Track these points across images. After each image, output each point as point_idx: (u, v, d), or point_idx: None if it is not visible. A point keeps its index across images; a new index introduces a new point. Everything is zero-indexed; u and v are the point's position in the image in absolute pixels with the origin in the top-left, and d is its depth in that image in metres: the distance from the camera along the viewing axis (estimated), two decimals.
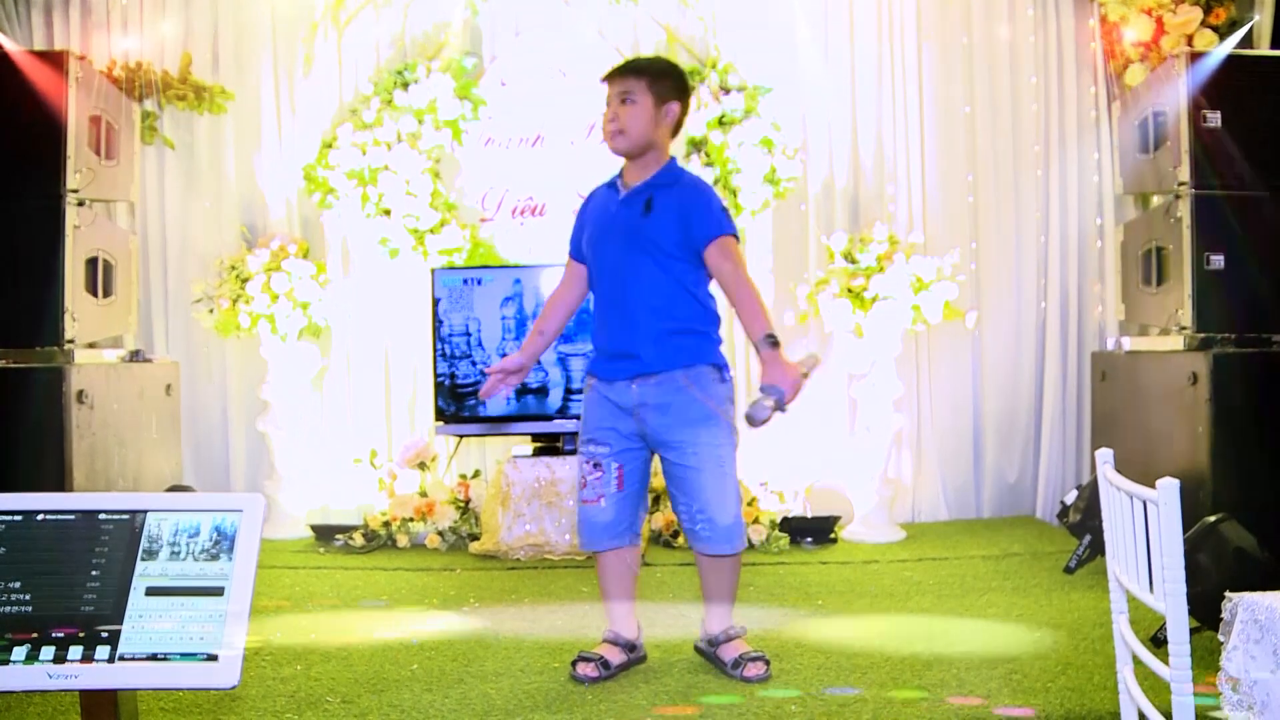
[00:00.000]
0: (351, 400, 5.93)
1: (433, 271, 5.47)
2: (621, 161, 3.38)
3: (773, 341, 3.16)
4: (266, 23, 5.88)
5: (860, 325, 5.46)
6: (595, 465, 3.32)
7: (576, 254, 3.49)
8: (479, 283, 5.41)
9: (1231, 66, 4.60)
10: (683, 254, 3.26)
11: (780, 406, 3.12)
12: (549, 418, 5.38)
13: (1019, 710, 2.92)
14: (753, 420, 3.09)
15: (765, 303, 3.25)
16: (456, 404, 5.40)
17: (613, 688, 3.17)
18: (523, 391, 5.33)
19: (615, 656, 3.32)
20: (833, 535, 5.48)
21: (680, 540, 5.09)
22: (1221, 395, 4.29)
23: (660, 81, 3.29)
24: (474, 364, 5.38)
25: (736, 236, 3.30)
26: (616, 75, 3.32)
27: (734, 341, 5.90)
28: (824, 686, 3.16)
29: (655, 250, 3.23)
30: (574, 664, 3.29)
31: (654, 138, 3.30)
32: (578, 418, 5.29)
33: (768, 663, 3.28)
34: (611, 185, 3.41)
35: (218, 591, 2.09)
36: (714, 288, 3.37)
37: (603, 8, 5.81)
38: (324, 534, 5.54)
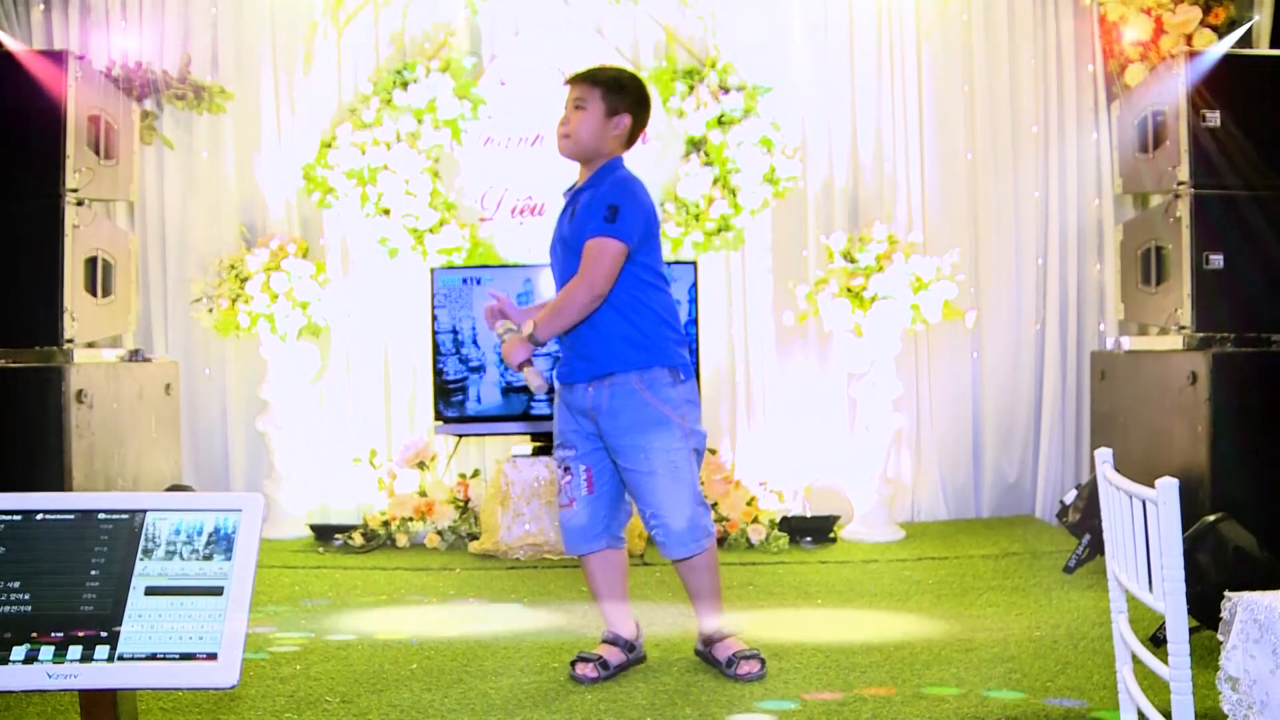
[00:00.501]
0: (351, 400, 5.93)
1: (432, 271, 5.47)
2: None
3: (537, 340, 3.17)
4: (266, 22, 5.87)
5: (859, 325, 5.46)
6: (565, 469, 3.34)
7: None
8: (478, 282, 5.41)
9: (1230, 66, 4.60)
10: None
11: (504, 338, 3.22)
12: (548, 417, 5.37)
13: (1019, 710, 2.92)
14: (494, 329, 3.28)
15: (565, 315, 3.18)
16: (446, 402, 5.40)
17: (612, 687, 3.17)
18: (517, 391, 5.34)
19: (614, 657, 3.32)
20: (832, 535, 5.48)
21: None
22: (1221, 395, 4.29)
23: (615, 94, 3.29)
24: (463, 361, 5.38)
25: (618, 237, 3.15)
26: (575, 81, 3.34)
27: (734, 346, 5.91)
28: (823, 686, 3.16)
29: (578, 251, 3.21)
30: (573, 664, 3.29)
31: (600, 146, 3.28)
32: None
33: (763, 661, 3.28)
34: (567, 190, 3.41)
35: (217, 591, 2.09)
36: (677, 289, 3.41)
37: (602, 7, 5.81)
38: (323, 534, 5.54)
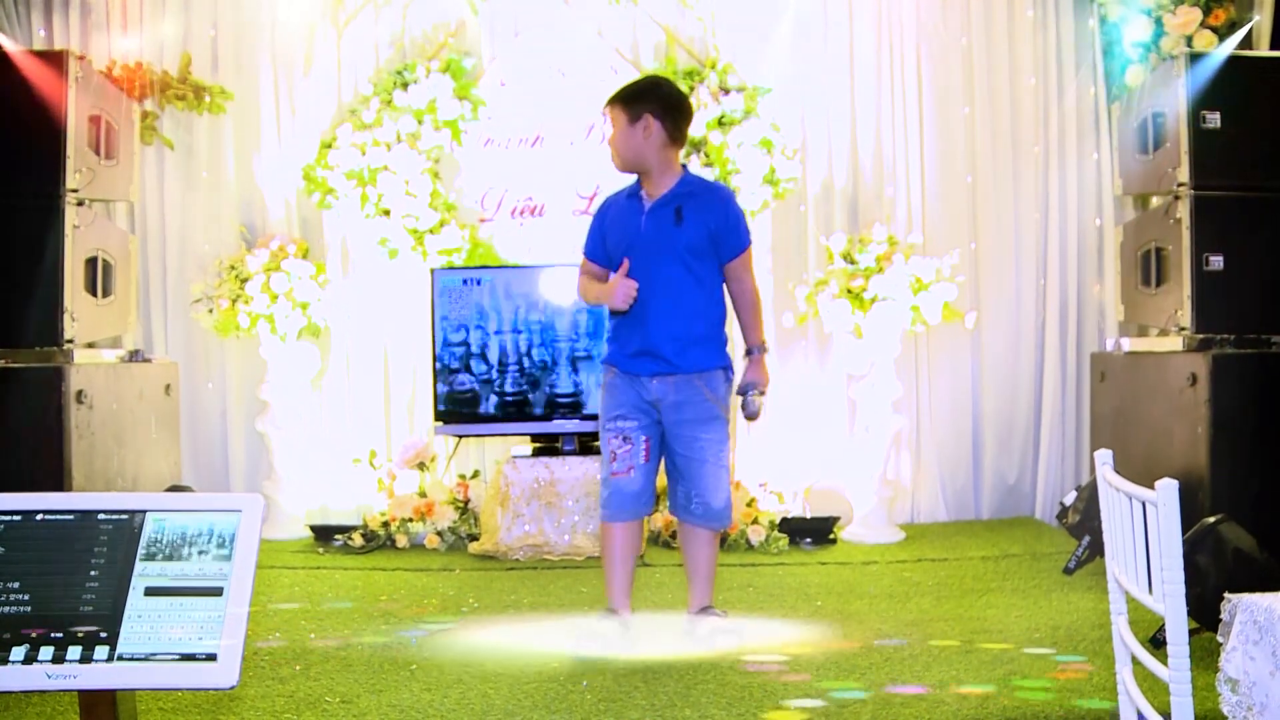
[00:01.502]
0: (351, 400, 5.93)
1: (432, 272, 5.47)
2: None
3: (764, 348, 3.66)
4: (266, 23, 5.87)
5: (859, 326, 5.46)
6: (625, 439, 3.60)
7: (595, 256, 3.74)
8: (478, 283, 5.41)
9: (1231, 67, 4.59)
10: (707, 262, 3.57)
11: (762, 393, 3.63)
12: (548, 418, 5.38)
13: (1018, 710, 2.92)
14: (753, 415, 3.62)
15: (761, 320, 3.68)
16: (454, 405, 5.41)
17: (611, 688, 3.17)
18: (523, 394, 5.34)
19: (613, 633, 3.58)
20: (832, 536, 5.48)
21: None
22: (1220, 396, 4.29)
23: (631, 103, 3.57)
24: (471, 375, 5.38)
25: (751, 244, 3.65)
26: (606, 107, 3.67)
27: (734, 347, 5.89)
28: (824, 686, 3.16)
29: (685, 258, 3.52)
30: (577, 639, 3.55)
31: (643, 152, 3.56)
32: (577, 419, 5.36)
33: (737, 628, 3.61)
34: (633, 195, 3.65)
35: (217, 592, 2.08)
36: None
37: (602, 8, 5.81)
38: (323, 534, 5.54)
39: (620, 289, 3.52)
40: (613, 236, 3.65)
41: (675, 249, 3.52)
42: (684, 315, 3.55)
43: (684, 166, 3.65)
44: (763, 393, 3.62)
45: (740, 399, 3.62)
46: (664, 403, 3.56)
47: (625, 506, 3.60)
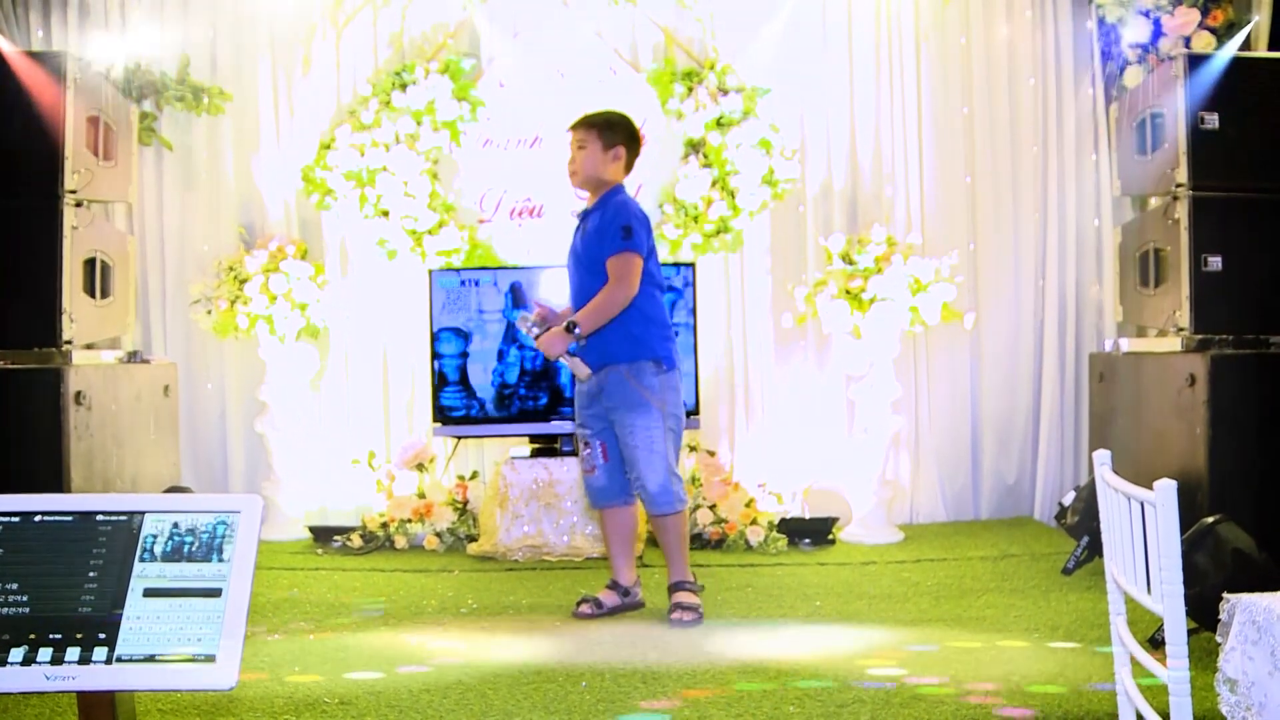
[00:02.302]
0: (349, 401, 5.92)
1: (431, 273, 5.47)
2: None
3: (570, 326, 3.84)
4: (265, 24, 5.87)
5: (858, 327, 5.46)
6: (585, 443, 4.09)
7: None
8: (477, 284, 5.41)
9: (1229, 68, 4.59)
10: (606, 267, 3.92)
11: (531, 332, 3.94)
12: (547, 419, 5.38)
13: (1018, 710, 2.92)
14: (520, 326, 4.01)
15: (603, 313, 3.85)
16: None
17: (610, 688, 3.17)
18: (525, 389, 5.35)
19: (610, 599, 4.08)
20: (831, 536, 5.48)
21: None
22: (1219, 397, 4.29)
23: (608, 131, 4.01)
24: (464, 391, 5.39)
25: (636, 251, 3.87)
26: (575, 127, 4.05)
27: (733, 348, 5.92)
28: (821, 687, 3.16)
29: (589, 265, 3.94)
30: (576, 605, 4.06)
31: (603, 175, 4.00)
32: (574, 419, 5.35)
33: (699, 615, 3.93)
34: (580, 212, 4.13)
35: (215, 593, 2.08)
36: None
37: (601, 9, 5.81)
38: (322, 535, 5.54)
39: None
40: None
41: (582, 258, 3.98)
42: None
43: (614, 186, 4.01)
44: (534, 326, 3.93)
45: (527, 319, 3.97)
46: (602, 393, 3.97)
47: (595, 497, 4.14)
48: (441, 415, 5.43)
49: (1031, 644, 3.60)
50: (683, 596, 3.98)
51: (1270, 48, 5.13)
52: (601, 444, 4.03)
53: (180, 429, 5.47)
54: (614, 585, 4.11)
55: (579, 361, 3.90)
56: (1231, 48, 4.91)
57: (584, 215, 4.06)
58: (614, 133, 4.02)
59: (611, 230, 3.88)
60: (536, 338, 3.91)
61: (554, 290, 5.36)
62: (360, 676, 3.32)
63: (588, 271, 3.95)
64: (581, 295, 3.97)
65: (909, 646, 3.59)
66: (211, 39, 5.86)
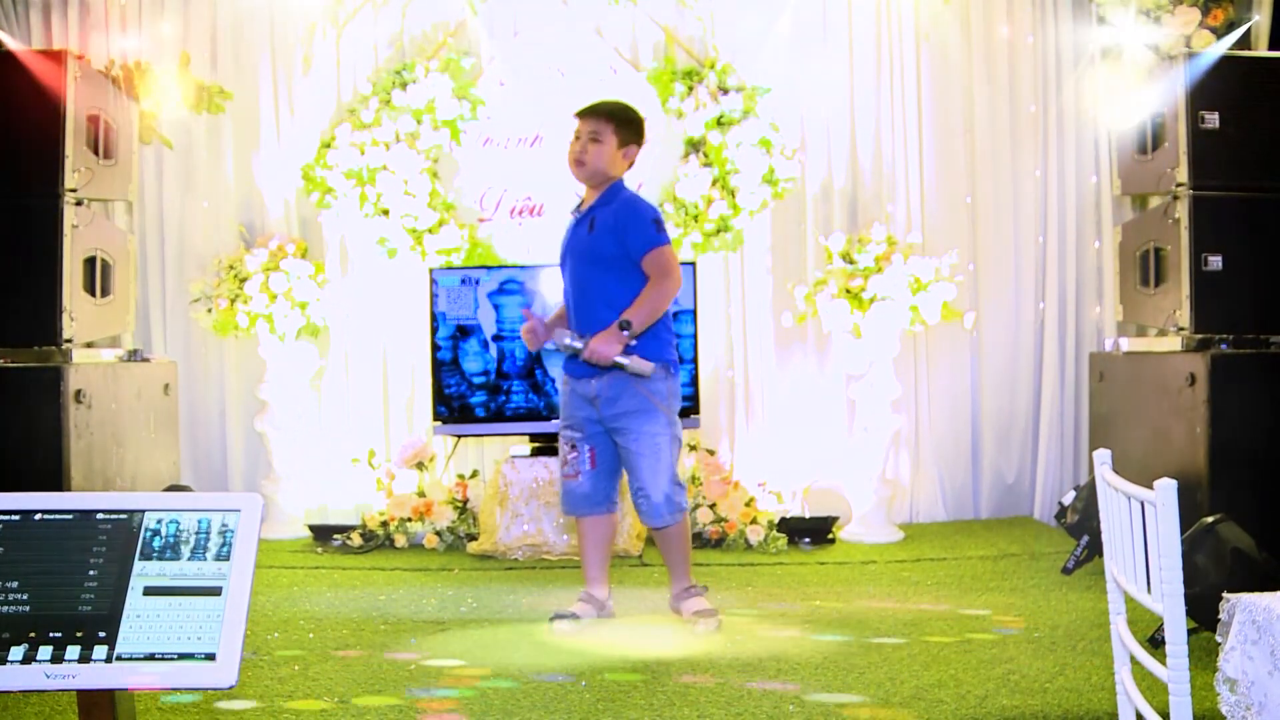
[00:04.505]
0: (349, 400, 5.92)
1: (431, 271, 5.47)
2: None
3: (624, 325, 3.69)
4: (265, 22, 5.87)
5: (858, 326, 5.46)
6: (572, 447, 3.92)
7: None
8: (477, 283, 5.41)
9: (1229, 68, 4.60)
10: (622, 264, 3.79)
11: (575, 352, 3.77)
12: (547, 418, 5.38)
13: (1017, 709, 2.92)
14: (557, 342, 3.81)
15: (656, 308, 3.76)
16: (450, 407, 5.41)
17: (610, 687, 3.17)
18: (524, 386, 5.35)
19: (587, 612, 3.90)
20: (831, 536, 5.48)
21: None
22: (1219, 396, 4.30)
23: (625, 128, 3.87)
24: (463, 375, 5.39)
25: (667, 244, 3.80)
26: (587, 114, 3.88)
27: (733, 347, 5.91)
28: (822, 687, 3.16)
29: (600, 263, 3.80)
30: (551, 620, 3.85)
31: (611, 172, 3.86)
32: None
33: (719, 617, 3.83)
34: (575, 207, 3.98)
35: (215, 591, 2.08)
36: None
37: (601, 8, 5.81)
38: (322, 534, 5.54)
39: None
40: (562, 249, 3.99)
41: (590, 255, 3.83)
42: (607, 315, 3.75)
43: (617, 180, 3.90)
44: (575, 351, 3.77)
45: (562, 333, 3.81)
46: (602, 398, 3.81)
47: (575, 505, 3.97)
48: (446, 399, 5.43)
49: (1031, 644, 3.60)
50: (697, 603, 3.88)
51: (1270, 47, 5.13)
52: (591, 449, 3.88)
53: (180, 427, 5.47)
54: (589, 598, 3.95)
55: (638, 359, 3.71)
56: (1228, 46, 4.91)
57: (587, 211, 3.87)
58: (630, 131, 3.88)
59: (635, 226, 3.76)
60: (584, 346, 3.71)
61: (554, 289, 5.36)
62: (360, 676, 3.32)
63: (599, 268, 3.80)
64: (588, 294, 3.82)
65: (908, 646, 3.59)
66: (212, 37, 5.86)
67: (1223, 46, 4.87)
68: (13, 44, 4.76)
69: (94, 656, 2.03)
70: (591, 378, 3.81)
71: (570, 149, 3.88)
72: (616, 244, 3.77)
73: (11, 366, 4.40)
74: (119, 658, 2.03)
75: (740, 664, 3.41)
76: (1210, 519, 3.60)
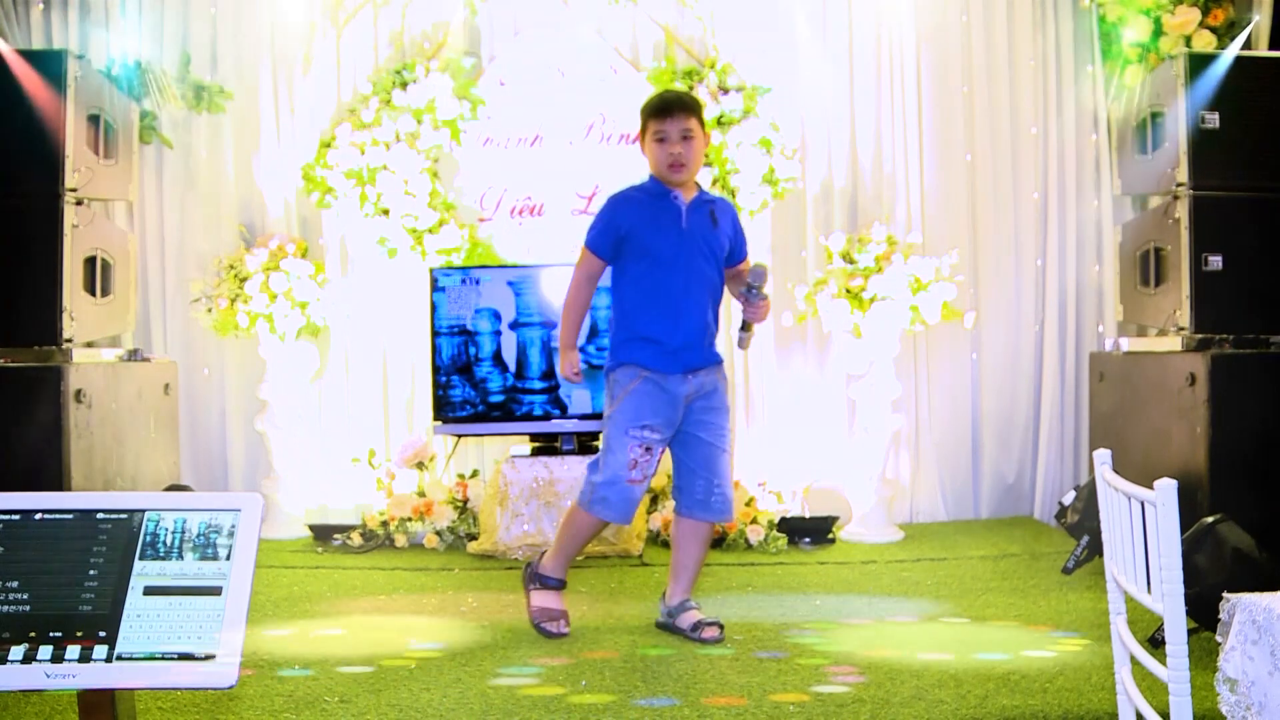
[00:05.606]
0: (350, 400, 5.92)
1: (431, 271, 5.47)
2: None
3: (745, 326, 3.72)
4: (265, 22, 5.86)
5: (859, 326, 5.46)
6: (647, 450, 3.61)
7: (600, 252, 3.74)
8: (477, 282, 5.41)
9: (1230, 68, 4.60)
10: (724, 263, 3.77)
11: (758, 296, 3.69)
12: (547, 418, 5.38)
13: (1018, 710, 2.92)
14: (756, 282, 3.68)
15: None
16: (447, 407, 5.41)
17: (610, 686, 3.17)
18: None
19: (563, 603, 3.83)
20: (831, 535, 5.48)
21: None
22: (1219, 396, 4.30)
23: (703, 121, 3.72)
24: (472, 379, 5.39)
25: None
26: (678, 111, 3.63)
27: (733, 345, 5.90)
28: (821, 687, 3.16)
29: (716, 257, 3.72)
30: (540, 627, 3.74)
31: (700, 164, 3.75)
32: (576, 418, 5.35)
33: (721, 627, 3.70)
34: (662, 195, 3.69)
35: (215, 591, 2.08)
36: None
37: (602, 8, 5.81)
38: (322, 534, 5.54)
39: (568, 363, 3.76)
40: (646, 231, 3.65)
41: (710, 248, 3.69)
42: (711, 310, 3.76)
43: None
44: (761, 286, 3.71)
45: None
46: (696, 396, 3.69)
47: (630, 512, 3.66)
48: (446, 399, 5.42)
49: (1031, 643, 3.60)
50: (696, 615, 3.74)
51: (1271, 47, 5.13)
52: (660, 455, 3.67)
53: (180, 427, 5.47)
54: (559, 586, 3.83)
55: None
56: (1229, 46, 4.91)
57: (697, 205, 3.68)
58: (702, 120, 3.72)
59: (742, 230, 3.85)
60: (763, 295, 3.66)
61: (554, 289, 5.36)
62: (360, 675, 3.32)
63: (713, 263, 3.71)
64: (704, 283, 3.68)
65: (907, 646, 3.59)
66: (212, 37, 5.85)
67: (1234, 50, 4.85)
68: (12, 44, 4.75)
69: (94, 656, 2.03)
70: (687, 373, 3.65)
71: (661, 153, 3.62)
72: (731, 243, 3.78)
73: (11, 366, 4.40)
74: (119, 657, 2.03)
75: (740, 662, 3.40)
76: (1210, 519, 3.60)
